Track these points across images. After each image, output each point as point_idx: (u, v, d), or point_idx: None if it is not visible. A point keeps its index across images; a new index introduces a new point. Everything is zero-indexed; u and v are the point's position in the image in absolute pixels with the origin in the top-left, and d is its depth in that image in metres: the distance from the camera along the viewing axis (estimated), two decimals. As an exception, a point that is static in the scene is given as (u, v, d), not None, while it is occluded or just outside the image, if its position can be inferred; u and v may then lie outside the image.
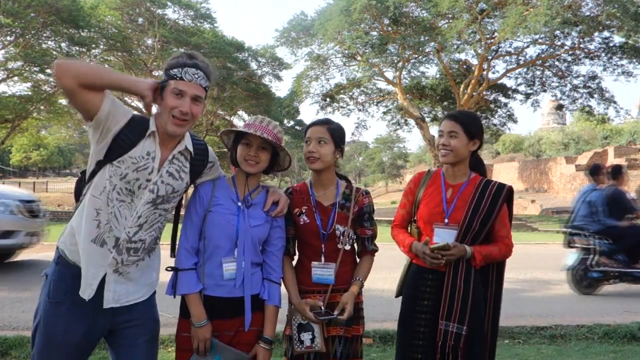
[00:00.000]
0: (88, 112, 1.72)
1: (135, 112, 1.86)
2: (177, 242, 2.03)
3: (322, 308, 2.06)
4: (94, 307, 1.80)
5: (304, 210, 2.15)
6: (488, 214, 2.20)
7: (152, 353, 1.96)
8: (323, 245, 2.12)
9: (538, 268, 7.94)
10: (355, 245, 2.24)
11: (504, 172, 36.10)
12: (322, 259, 2.12)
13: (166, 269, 2.01)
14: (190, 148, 1.93)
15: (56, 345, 1.78)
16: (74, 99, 1.69)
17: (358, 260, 2.24)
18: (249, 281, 1.99)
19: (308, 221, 2.13)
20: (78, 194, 1.92)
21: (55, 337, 1.77)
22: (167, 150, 1.87)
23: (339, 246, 2.12)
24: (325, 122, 2.17)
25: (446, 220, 2.21)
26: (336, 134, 2.15)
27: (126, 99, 16.76)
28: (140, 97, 1.81)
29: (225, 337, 1.97)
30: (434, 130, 22.08)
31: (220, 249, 1.98)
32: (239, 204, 2.04)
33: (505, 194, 2.24)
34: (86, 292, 1.77)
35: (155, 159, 1.83)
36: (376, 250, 2.22)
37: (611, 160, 27.75)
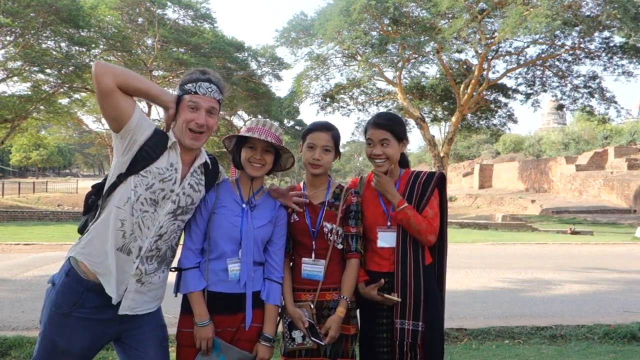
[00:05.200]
0: (119, 119, 1.74)
1: (157, 125, 1.91)
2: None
3: (313, 320, 2.09)
4: (101, 319, 1.81)
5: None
6: (419, 202, 2.23)
7: (164, 357, 1.98)
8: (314, 243, 2.16)
9: (538, 268, 7.95)
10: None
11: (504, 172, 36.09)
12: (313, 255, 2.16)
13: (170, 270, 2.01)
14: (208, 161, 2.01)
15: (59, 353, 1.78)
16: (109, 100, 1.70)
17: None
18: (250, 280, 2.02)
19: (298, 219, 2.18)
20: (89, 207, 1.91)
21: (58, 345, 1.77)
22: (187, 162, 1.93)
23: (329, 243, 2.16)
24: (329, 129, 2.21)
25: (389, 223, 2.24)
26: (338, 140, 2.24)
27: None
28: (165, 108, 1.87)
29: (226, 333, 1.99)
30: (434, 130, 22.05)
31: (224, 250, 2.01)
32: (243, 205, 2.07)
33: (435, 180, 2.28)
34: (114, 297, 1.79)
35: (178, 170, 1.88)
36: (361, 253, 2.23)
37: (611, 160, 27.77)
